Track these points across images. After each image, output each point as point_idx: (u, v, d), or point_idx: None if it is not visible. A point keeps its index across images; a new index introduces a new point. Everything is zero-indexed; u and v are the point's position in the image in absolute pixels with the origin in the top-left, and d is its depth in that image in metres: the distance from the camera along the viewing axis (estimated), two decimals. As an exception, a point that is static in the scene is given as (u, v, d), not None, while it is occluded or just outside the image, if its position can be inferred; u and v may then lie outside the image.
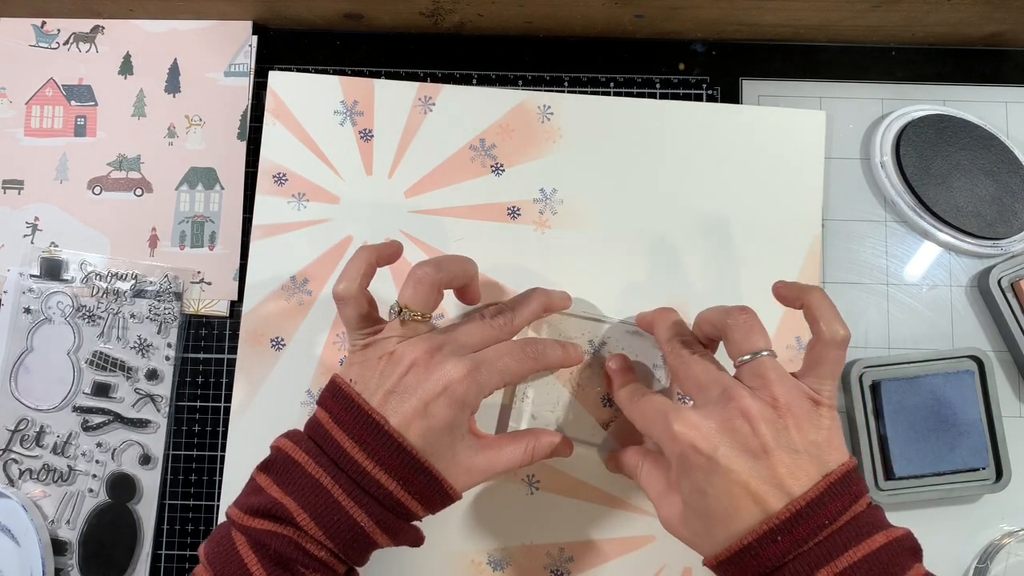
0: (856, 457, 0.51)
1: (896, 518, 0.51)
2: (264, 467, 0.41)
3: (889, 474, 0.50)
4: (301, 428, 0.42)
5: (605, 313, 0.52)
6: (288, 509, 0.38)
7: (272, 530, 0.37)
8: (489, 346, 0.43)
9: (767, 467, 0.36)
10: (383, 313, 0.45)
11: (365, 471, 0.38)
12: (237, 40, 0.56)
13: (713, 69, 0.57)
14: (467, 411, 0.41)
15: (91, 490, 0.52)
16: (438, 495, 0.40)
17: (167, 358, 0.53)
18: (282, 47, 0.57)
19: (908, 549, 0.36)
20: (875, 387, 0.51)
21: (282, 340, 0.52)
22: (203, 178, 0.55)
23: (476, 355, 0.42)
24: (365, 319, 0.43)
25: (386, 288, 0.53)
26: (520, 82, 0.57)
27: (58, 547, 0.51)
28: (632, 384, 0.46)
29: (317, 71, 0.56)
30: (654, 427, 0.41)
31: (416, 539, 0.41)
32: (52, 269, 0.54)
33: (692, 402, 0.41)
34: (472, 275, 0.46)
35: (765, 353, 0.39)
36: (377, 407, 0.39)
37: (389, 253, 0.45)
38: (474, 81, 0.57)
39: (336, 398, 0.41)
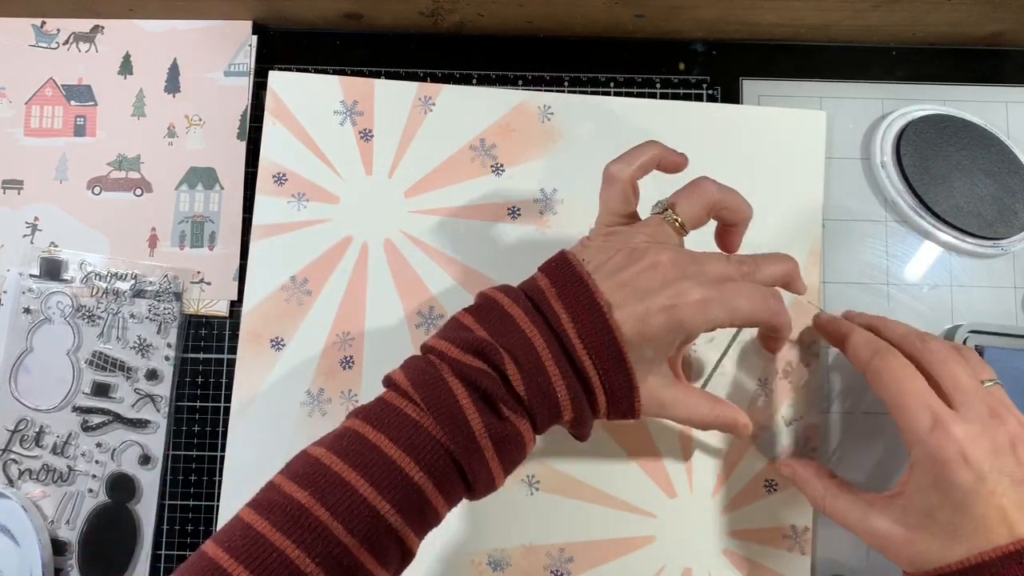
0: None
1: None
2: (470, 310, 0.39)
3: None
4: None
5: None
6: (501, 354, 0.36)
7: (483, 368, 0.36)
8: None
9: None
10: (643, 211, 0.44)
11: (574, 348, 0.37)
12: (237, 40, 0.56)
13: (713, 69, 0.57)
14: (680, 337, 0.39)
15: (91, 490, 0.52)
16: (625, 402, 0.39)
17: (167, 358, 0.53)
18: (282, 47, 0.57)
19: None
20: (979, 352, 0.50)
21: (282, 340, 0.52)
22: (203, 178, 0.55)
23: (716, 285, 0.39)
24: (623, 206, 0.43)
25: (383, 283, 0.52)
26: (520, 82, 0.57)
27: (58, 547, 0.51)
28: (868, 334, 0.44)
29: (317, 71, 0.56)
30: (907, 410, 0.39)
31: (586, 435, 0.40)
32: (52, 269, 0.54)
33: (951, 401, 0.40)
34: (747, 219, 0.44)
35: (996, 383, 0.41)
36: (605, 292, 0.38)
37: (673, 161, 0.44)
38: (474, 81, 0.57)
39: (561, 270, 0.39)
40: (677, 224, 0.41)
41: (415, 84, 0.55)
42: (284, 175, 0.54)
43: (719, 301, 0.39)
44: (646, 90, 0.57)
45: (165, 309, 0.54)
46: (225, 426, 0.53)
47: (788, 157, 0.54)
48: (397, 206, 0.54)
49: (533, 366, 0.36)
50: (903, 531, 0.39)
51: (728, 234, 0.45)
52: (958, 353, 0.42)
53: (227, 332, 0.54)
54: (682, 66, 0.57)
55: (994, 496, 0.37)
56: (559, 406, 0.37)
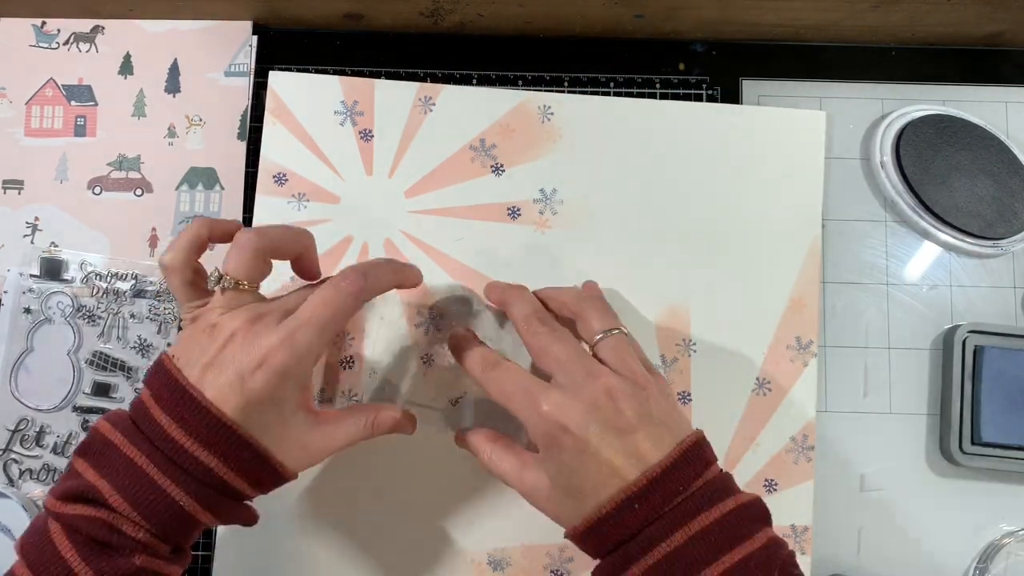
0: (945, 417, 0.51)
1: (979, 487, 0.52)
2: (81, 451, 0.38)
3: (976, 439, 0.51)
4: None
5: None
6: (101, 491, 0.36)
7: (85, 514, 0.36)
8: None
9: (631, 442, 0.37)
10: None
11: (182, 447, 0.37)
12: (237, 40, 0.57)
13: (713, 69, 0.57)
14: (291, 383, 0.39)
15: (91, 490, 0.52)
16: (267, 473, 0.39)
17: (167, 358, 0.53)
18: (282, 47, 0.57)
19: (758, 514, 0.37)
20: (977, 352, 0.51)
21: (282, 340, 0.52)
22: (203, 178, 0.55)
23: (291, 318, 0.39)
24: (192, 291, 0.42)
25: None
26: (520, 82, 0.57)
27: (58, 547, 0.51)
28: (482, 350, 0.44)
29: (317, 71, 0.56)
30: (515, 402, 0.40)
31: (247, 518, 0.40)
32: (52, 269, 0.54)
33: (553, 379, 0.40)
34: (305, 246, 0.44)
35: (617, 331, 0.42)
36: (195, 381, 0.38)
37: (223, 230, 0.43)
38: (474, 81, 0.57)
39: (157, 375, 0.39)
40: (241, 286, 0.41)
41: (415, 84, 0.55)
42: (284, 175, 0.54)
43: (303, 330, 0.39)
44: (646, 90, 0.57)
45: (165, 309, 0.54)
46: (225, 426, 0.53)
47: (788, 157, 0.54)
48: (397, 206, 0.54)
49: (140, 486, 0.36)
50: (545, 490, 0.40)
51: (299, 267, 0.45)
52: (571, 320, 0.44)
53: (227, 332, 0.54)
54: (682, 66, 0.57)
55: (600, 452, 0.37)
56: (185, 512, 0.37)
